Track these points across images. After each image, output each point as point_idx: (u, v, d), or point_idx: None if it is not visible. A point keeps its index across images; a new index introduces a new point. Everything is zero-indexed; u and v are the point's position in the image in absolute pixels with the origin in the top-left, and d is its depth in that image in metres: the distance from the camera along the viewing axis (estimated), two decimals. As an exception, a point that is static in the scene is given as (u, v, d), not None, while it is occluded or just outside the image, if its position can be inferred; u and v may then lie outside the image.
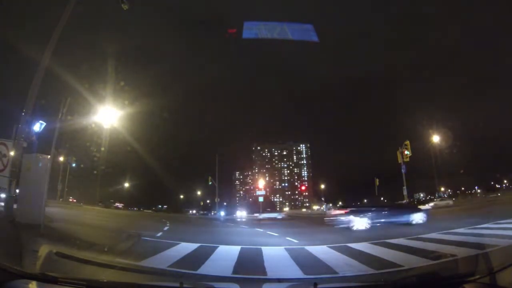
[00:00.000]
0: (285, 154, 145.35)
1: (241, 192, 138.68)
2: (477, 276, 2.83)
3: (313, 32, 18.81)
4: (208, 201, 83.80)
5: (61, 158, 38.63)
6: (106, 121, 21.46)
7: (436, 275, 3.53)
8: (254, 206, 49.66)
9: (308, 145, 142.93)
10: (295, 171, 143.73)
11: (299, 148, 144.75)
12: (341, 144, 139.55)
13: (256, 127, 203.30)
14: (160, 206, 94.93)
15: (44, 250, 4.87)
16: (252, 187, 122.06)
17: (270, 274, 5.60)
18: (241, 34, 17.72)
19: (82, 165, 43.93)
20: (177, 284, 3.20)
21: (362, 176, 79.58)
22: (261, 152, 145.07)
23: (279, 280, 5.22)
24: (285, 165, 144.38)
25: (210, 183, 51.51)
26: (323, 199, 74.50)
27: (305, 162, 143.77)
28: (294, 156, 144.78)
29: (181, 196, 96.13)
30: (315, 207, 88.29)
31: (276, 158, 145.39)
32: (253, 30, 18.51)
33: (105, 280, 3.78)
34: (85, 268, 5.11)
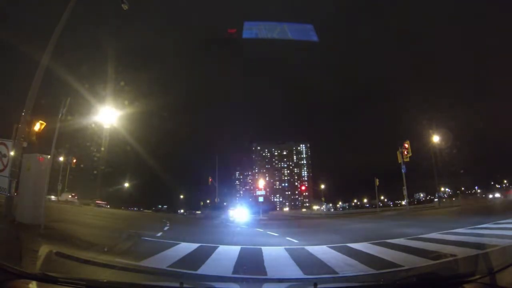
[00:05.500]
0: (285, 154, 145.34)
1: (241, 192, 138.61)
2: (477, 276, 2.83)
3: (313, 32, 18.86)
4: (208, 201, 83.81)
5: (61, 158, 38.60)
6: (106, 121, 21.51)
7: (436, 275, 3.54)
8: (255, 206, 49.86)
9: (308, 145, 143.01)
10: (295, 171, 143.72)
11: (299, 148, 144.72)
12: (342, 144, 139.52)
13: (256, 127, 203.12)
14: (160, 206, 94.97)
15: (44, 250, 4.84)
16: (252, 187, 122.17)
17: (270, 274, 5.59)
18: (241, 34, 17.84)
19: (82, 165, 43.87)
20: (177, 284, 3.22)
21: (363, 176, 79.70)
22: (261, 152, 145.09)
23: (279, 280, 5.23)
24: (285, 165, 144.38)
25: (210, 183, 51.45)
26: (323, 199, 74.45)
27: (305, 162, 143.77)
28: (294, 156, 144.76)
29: (181, 196, 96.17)
30: (315, 207, 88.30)
31: (276, 158, 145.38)
32: (253, 30, 18.50)
33: (105, 280, 3.78)
34: (85, 268, 5.10)
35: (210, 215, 34.73)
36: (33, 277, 3.12)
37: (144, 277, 5.29)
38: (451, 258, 6.11)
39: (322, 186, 74.39)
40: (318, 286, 3.07)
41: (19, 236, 7.15)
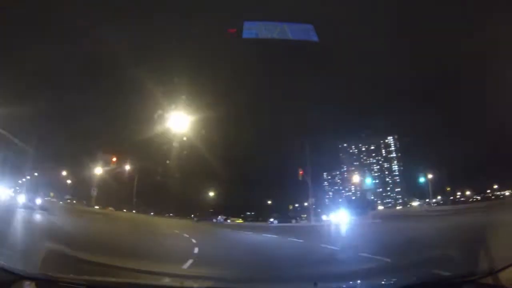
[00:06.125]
0: (373, 149, 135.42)
1: (330, 193, 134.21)
2: (478, 276, 2.83)
3: (313, 32, 18.22)
4: (297, 205, 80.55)
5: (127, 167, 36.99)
6: (177, 129, 23.16)
7: (437, 274, 3.45)
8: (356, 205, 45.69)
9: (396, 137, 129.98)
10: (385, 165, 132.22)
11: (386, 141, 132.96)
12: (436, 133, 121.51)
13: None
14: (248, 213, 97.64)
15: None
16: (341, 187, 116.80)
17: None
18: (241, 34, 17.73)
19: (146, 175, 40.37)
20: (178, 284, 3.46)
21: (466, 164, 68.20)
22: (348, 149, 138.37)
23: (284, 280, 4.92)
24: (374, 161, 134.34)
25: (301, 177, 40.65)
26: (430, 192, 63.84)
27: (394, 155, 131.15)
28: (383, 150, 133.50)
29: (269, 202, 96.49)
30: (414, 203, 79.17)
31: (364, 154, 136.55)
32: (253, 30, 18.36)
33: (105, 280, 3.79)
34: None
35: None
36: (33, 277, 3.16)
37: (145, 277, 5.02)
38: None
39: (422, 180, 64.75)
40: (319, 284, 3.09)
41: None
